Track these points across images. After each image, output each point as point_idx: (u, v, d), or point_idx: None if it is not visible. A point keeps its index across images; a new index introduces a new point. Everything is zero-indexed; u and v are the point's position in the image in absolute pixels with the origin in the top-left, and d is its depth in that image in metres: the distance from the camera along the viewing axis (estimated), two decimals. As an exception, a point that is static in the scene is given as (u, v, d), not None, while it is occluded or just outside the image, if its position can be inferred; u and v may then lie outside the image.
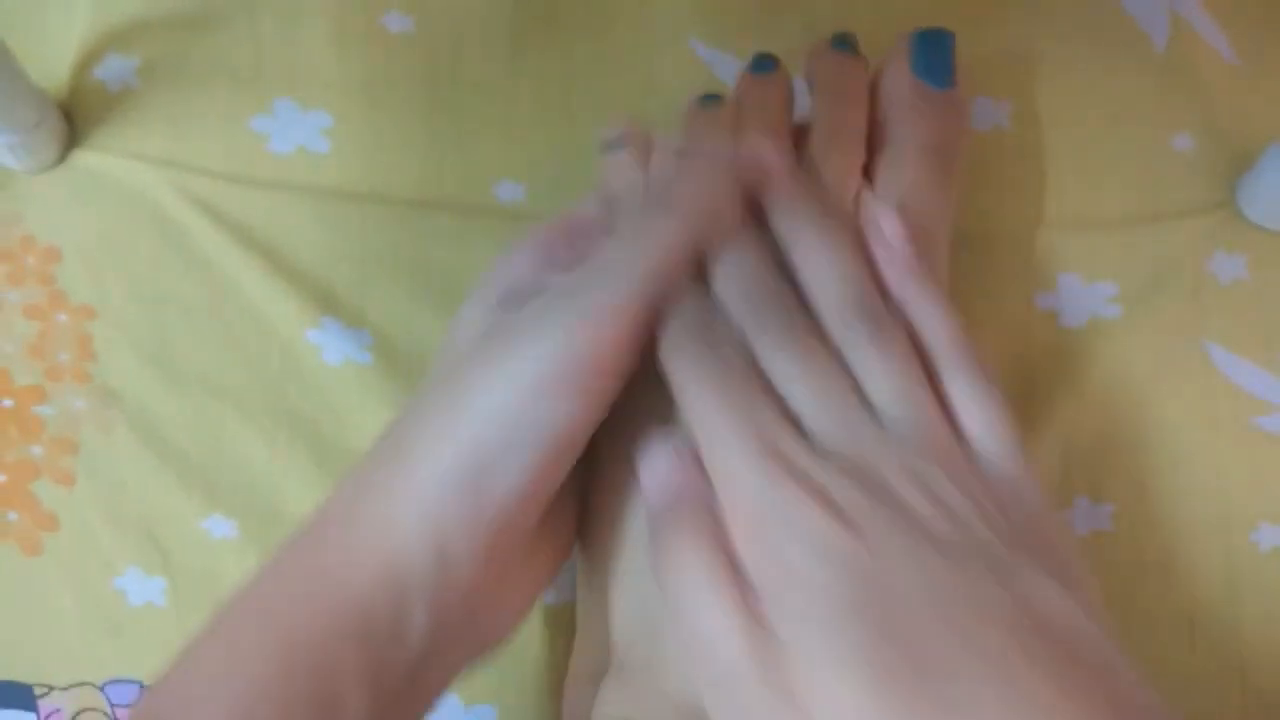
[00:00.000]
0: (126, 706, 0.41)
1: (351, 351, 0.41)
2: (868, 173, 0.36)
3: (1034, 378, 0.41)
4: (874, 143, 0.37)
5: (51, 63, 0.43)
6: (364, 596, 0.28)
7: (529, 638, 0.40)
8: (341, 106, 0.43)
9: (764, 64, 0.38)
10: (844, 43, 0.39)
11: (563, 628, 0.40)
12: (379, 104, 0.43)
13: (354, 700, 0.27)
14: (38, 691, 0.41)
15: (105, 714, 0.41)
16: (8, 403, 0.42)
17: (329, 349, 0.41)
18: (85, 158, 0.42)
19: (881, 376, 0.29)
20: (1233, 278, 0.41)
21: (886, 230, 0.32)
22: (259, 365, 0.42)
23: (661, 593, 0.28)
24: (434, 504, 0.28)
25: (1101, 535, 0.40)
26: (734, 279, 0.31)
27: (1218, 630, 0.40)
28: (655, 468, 0.29)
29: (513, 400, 0.28)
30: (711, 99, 0.39)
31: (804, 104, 0.39)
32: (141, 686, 0.41)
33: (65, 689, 0.41)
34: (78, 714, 0.41)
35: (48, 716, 0.41)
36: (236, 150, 0.42)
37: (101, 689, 0.41)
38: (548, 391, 0.28)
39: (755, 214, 0.33)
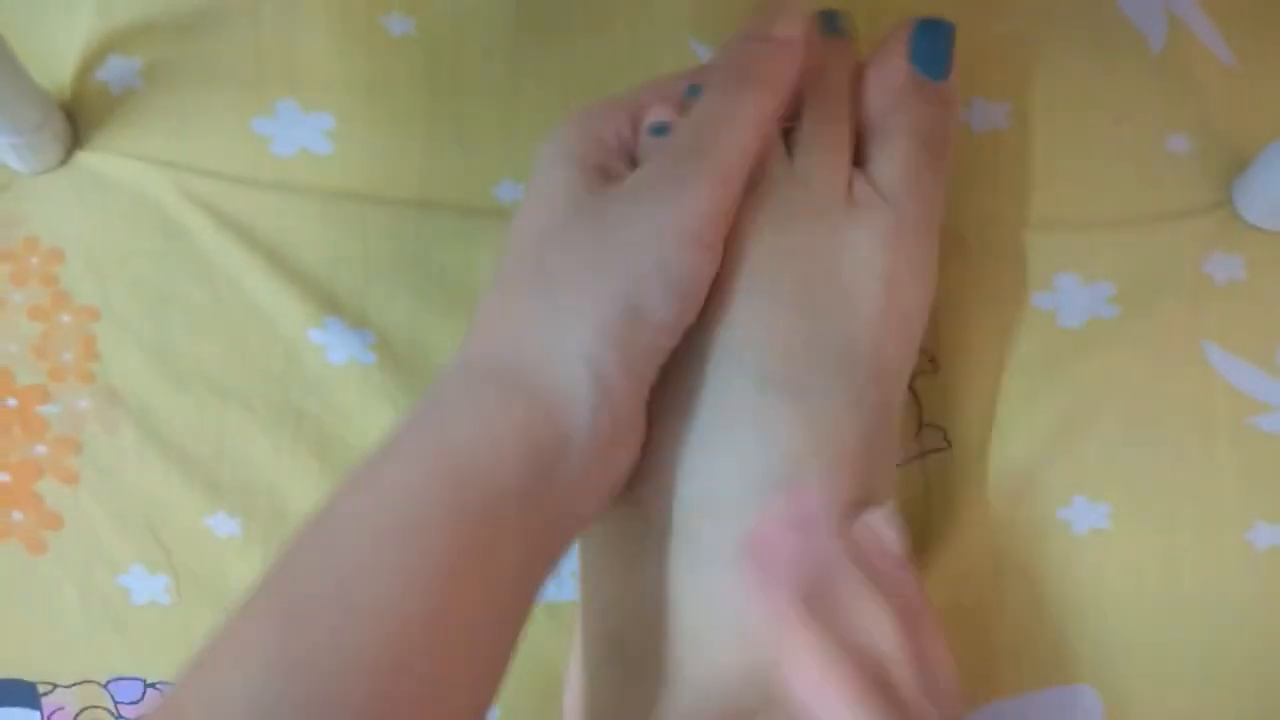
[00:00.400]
0: (130, 704, 0.41)
1: (355, 351, 0.41)
2: (858, 160, 0.36)
3: (1032, 377, 0.41)
4: (864, 129, 0.37)
5: (54, 64, 0.43)
6: (530, 424, 0.29)
7: (529, 638, 0.40)
8: (343, 108, 0.43)
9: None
10: (833, 25, 0.38)
11: (563, 627, 0.40)
12: (380, 105, 0.43)
13: (513, 535, 0.28)
14: (41, 689, 0.41)
15: (109, 711, 0.41)
16: (11, 402, 0.42)
17: (332, 349, 0.42)
18: (88, 159, 0.42)
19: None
20: (1230, 278, 0.41)
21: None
22: (262, 365, 0.42)
23: None
24: (595, 344, 0.30)
25: (1100, 534, 0.40)
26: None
27: (1215, 628, 0.40)
28: None
29: (660, 251, 0.30)
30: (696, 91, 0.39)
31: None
32: (145, 684, 0.41)
33: (69, 687, 0.41)
34: (81, 711, 0.41)
35: (51, 714, 0.41)
36: (239, 152, 0.42)
37: (105, 686, 0.41)
38: (690, 243, 0.31)
39: None
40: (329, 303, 0.42)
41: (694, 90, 0.35)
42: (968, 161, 0.42)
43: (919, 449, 0.41)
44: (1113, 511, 0.41)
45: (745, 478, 0.32)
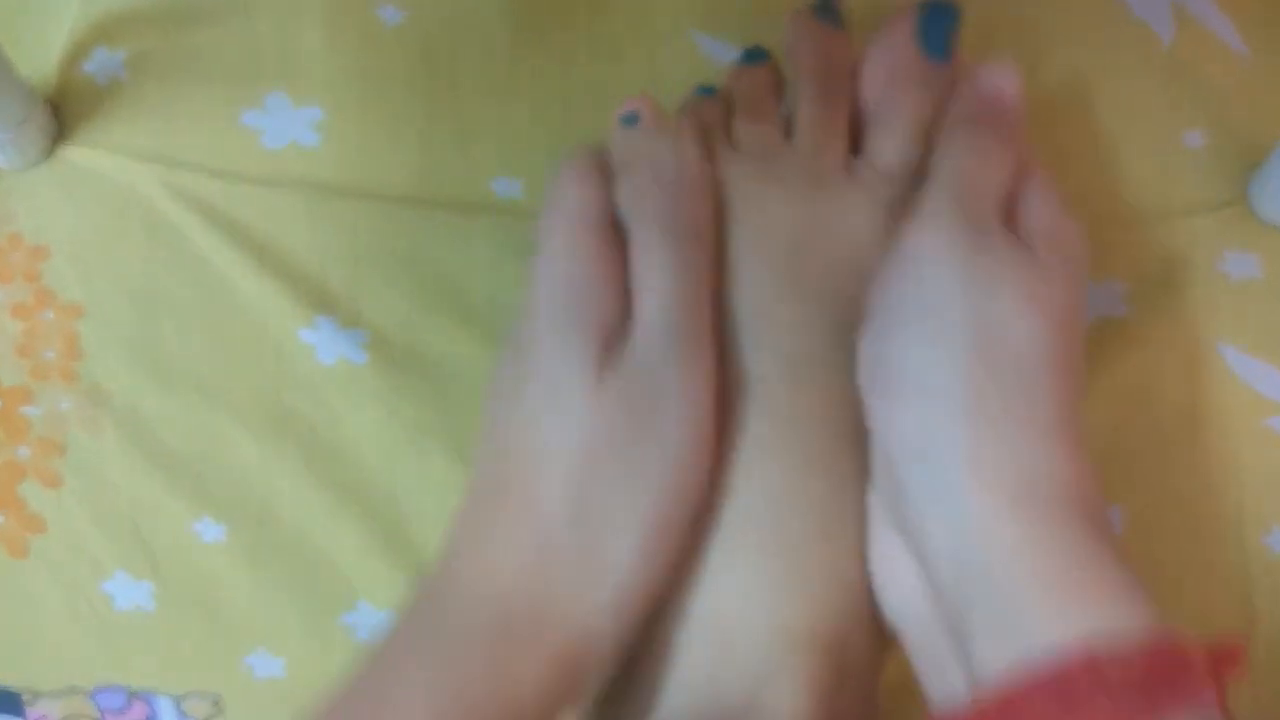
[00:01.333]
0: (115, 712, 0.40)
1: (347, 351, 0.41)
2: (856, 144, 0.36)
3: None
4: (863, 111, 0.37)
5: (39, 57, 0.43)
6: (553, 678, 0.29)
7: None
8: (334, 101, 0.42)
9: (756, 55, 0.39)
10: (827, 12, 0.38)
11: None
12: (373, 98, 0.42)
13: None
14: (25, 697, 0.41)
15: (94, 719, 0.40)
16: (-6, 403, 0.41)
17: (323, 348, 0.41)
18: (73, 153, 0.42)
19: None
20: (1245, 276, 0.41)
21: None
22: (251, 365, 0.41)
23: None
24: (629, 582, 0.30)
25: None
26: None
27: (1234, 632, 0.40)
28: None
29: (683, 456, 0.31)
30: (706, 91, 0.39)
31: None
32: (128, 692, 0.40)
33: (53, 694, 0.41)
34: (65, 719, 0.41)
35: (35, 722, 0.41)
36: (228, 145, 0.42)
37: (90, 695, 0.41)
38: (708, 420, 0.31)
39: None
40: (320, 301, 0.41)
41: (708, 90, 0.37)
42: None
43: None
44: (1127, 514, 0.40)
45: None
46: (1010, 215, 0.32)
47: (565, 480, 0.30)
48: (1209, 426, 0.40)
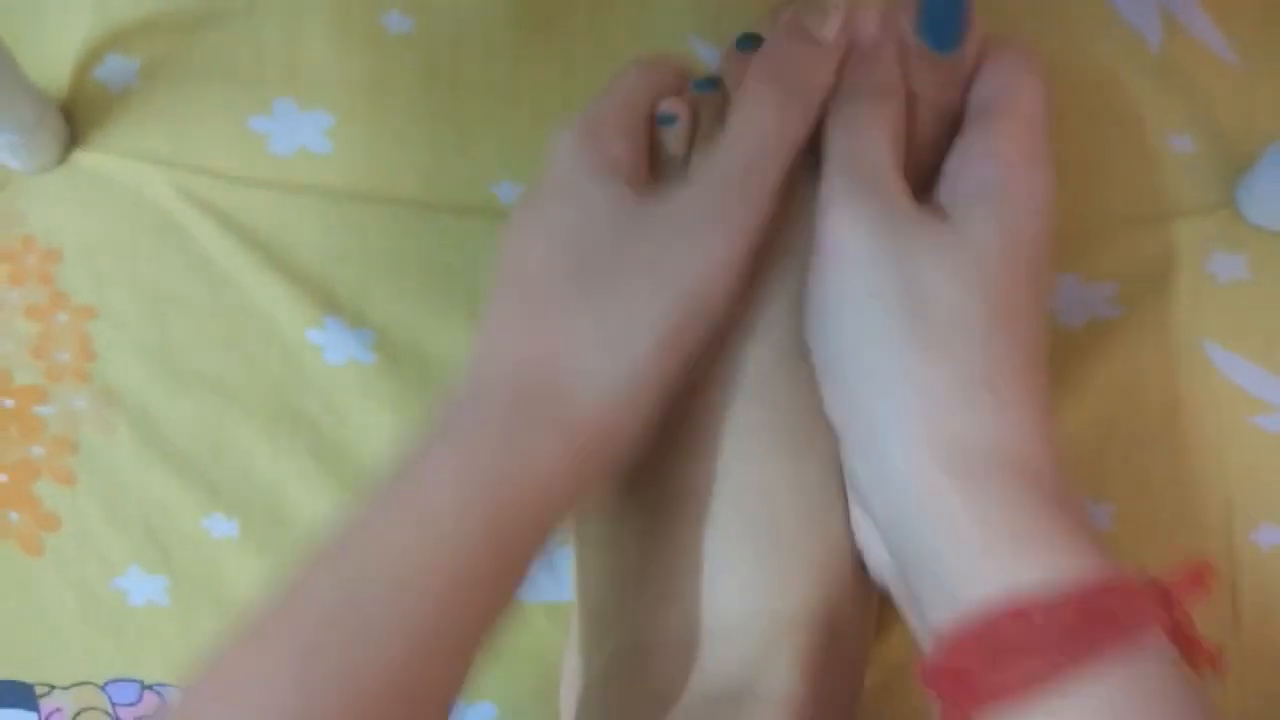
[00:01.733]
0: (127, 706, 0.41)
1: (354, 351, 0.41)
2: None
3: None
4: None
5: (52, 63, 0.43)
6: (577, 458, 0.29)
7: (529, 636, 0.40)
8: (342, 107, 0.43)
9: (749, 42, 0.38)
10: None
11: (562, 627, 0.40)
12: (379, 104, 0.43)
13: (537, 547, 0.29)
14: (39, 691, 0.41)
15: (106, 713, 0.41)
16: (8, 403, 0.42)
17: (331, 349, 0.41)
18: (86, 158, 0.42)
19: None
20: (1232, 278, 0.41)
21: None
22: (260, 365, 0.42)
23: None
24: (646, 363, 0.30)
25: (1102, 535, 0.40)
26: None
27: (1219, 630, 0.40)
28: None
29: (708, 282, 0.31)
30: (705, 85, 0.38)
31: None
32: (142, 685, 0.41)
33: (66, 688, 0.41)
34: (79, 713, 0.41)
35: (49, 715, 0.41)
36: (237, 151, 0.42)
37: (103, 688, 0.41)
38: (738, 273, 0.32)
39: None
40: (328, 302, 0.42)
41: (707, 84, 0.36)
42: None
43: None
44: (1116, 512, 0.40)
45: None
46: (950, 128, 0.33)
47: (589, 269, 0.31)
48: (1196, 425, 0.41)
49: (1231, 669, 0.40)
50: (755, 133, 0.32)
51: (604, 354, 0.30)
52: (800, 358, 0.33)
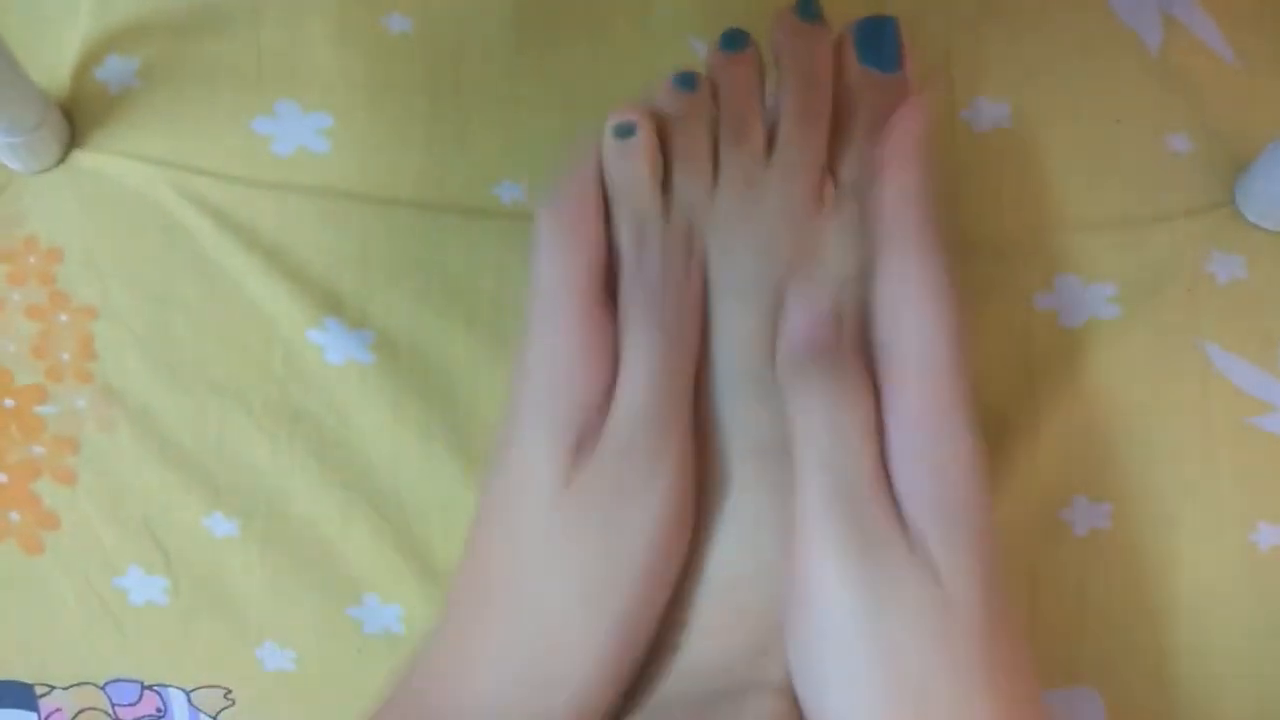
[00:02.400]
0: (127, 706, 0.41)
1: (354, 352, 0.41)
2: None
3: (1033, 377, 0.41)
4: (832, 124, 0.37)
5: (52, 63, 0.43)
6: None
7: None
8: (343, 108, 0.43)
9: (734, 40, 0.38)
10: (809, 10, 0.38)
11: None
12: (380, 105, 0.43)
13: None
14: (39, 691, 0.41)
15: (106, 713, 0.41)
16: (9, 403, 0.42)
17: (331, 349, 0.41)
18: (86, 158, 0.42)
19: None
20: (1231, 277, 0.41)
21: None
22: (261, 365, 0.42)
23: None
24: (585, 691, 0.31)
25: (1100, 534, 0.40)
26: None
27: (1217, 629, 0.40)
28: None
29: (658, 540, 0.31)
30: (685, 81, 0.37)
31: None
32: (142, 686, 0.41)
33: (66, 688, 0.41)
34: (79, 713, 0.41)
35: (49, 715, 0.41)
36: (238, 152, 0.42)
37: (102, 688, 0.41)
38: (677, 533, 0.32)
39: None
40: (329, 303, 0.42)
41: (685, 81, 0.36)
42: (968, 162, 0.42)
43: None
44: (1114, 511, 0.40)
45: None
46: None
47: (532, 594, 0.31)
48: (1195, 424, 0.41)
49: (1234, 669, 0.40)
50: (645, 382, 0.32)
51: (546, 681, 0.31)
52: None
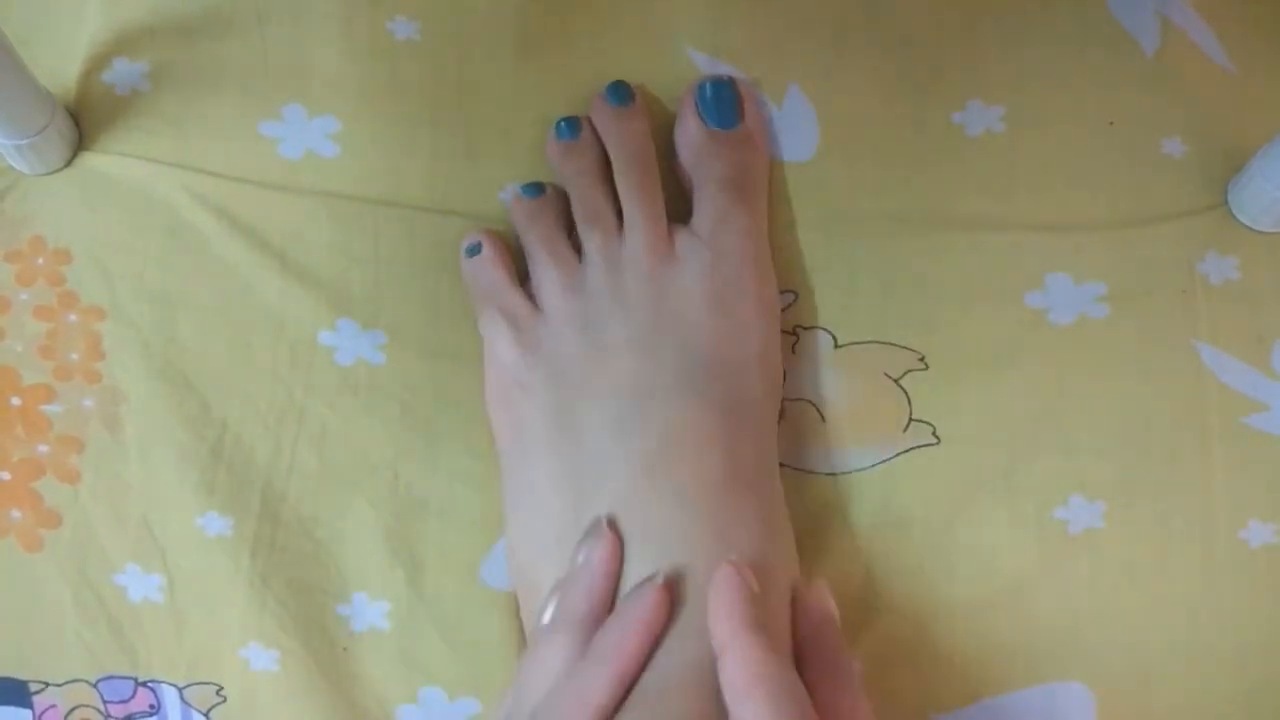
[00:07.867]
0: (119, 703, 0.41)
1: (365, 352, 0.42)
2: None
3: (1023, 376, 0.41)
4: (684, 185, 0.42)
5: (60, 66, 0.43)
6: None
7: (510, 632, 0.40)
8: (349, 111, 0.43)
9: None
10: (619, 95, 0.42)
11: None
12: (386, 109, 0.43)
13: None
14: (33, 687, 0.41)
15: (98, 710, 0.41)
16: (15, 402, 0.42)
17: (342, 350, 0.42)
18: (94, 160, 0.43)
19: None
20: (1223, 278, 0.41)
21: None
22: (268, 365, 0.42)
23: None
24: None
25: (1094, 532, 0.40)
26: None
27: (1209, 625, 0.40)
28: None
29: None
30: (531, 190, 0.42)
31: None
32: (136, 682, 0.41)
33: (60, 685, 0.41)
34: (72, 710, 0.41)
35: (43, 713, 0.41)
36: (245, 155, 0.43)
37: (94, 685, 0.41)
38: None
39: None
40: (341, 304, 0.42)
41: (532, 190, 0.42)
42: (962, 163, 0.43)
43: (907, 443, 0.41)
44: (1107, 510, 0.40)
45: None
46: None
47: None
48: (1187, 423, 0.41)
49: (1224, 664, 0.40)
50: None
51: None
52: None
